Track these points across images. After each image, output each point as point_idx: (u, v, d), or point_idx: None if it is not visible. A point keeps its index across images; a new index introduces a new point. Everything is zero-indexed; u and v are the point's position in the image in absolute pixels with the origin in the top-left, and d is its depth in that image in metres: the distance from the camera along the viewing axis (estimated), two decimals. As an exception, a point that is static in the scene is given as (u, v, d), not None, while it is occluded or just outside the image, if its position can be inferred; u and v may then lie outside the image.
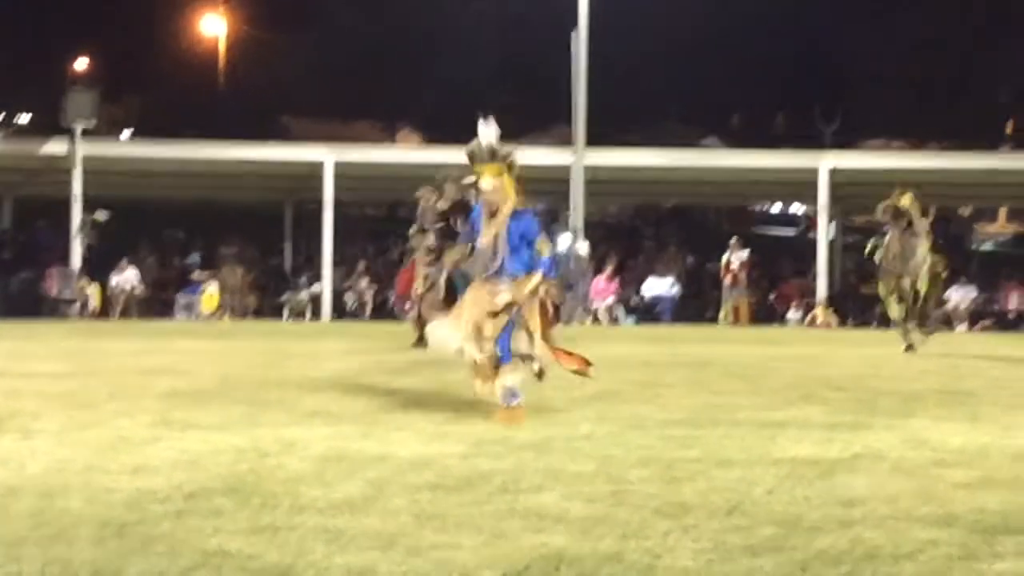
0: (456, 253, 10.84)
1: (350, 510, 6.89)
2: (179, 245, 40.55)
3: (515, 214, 10.57)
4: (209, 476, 7.86)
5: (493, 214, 10.55)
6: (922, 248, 21.15)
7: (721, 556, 6.01)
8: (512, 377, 10.57)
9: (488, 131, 10.59)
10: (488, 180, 10.53)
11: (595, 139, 35.57)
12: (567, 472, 8.17)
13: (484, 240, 10.58)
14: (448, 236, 19.92)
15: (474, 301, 10.60)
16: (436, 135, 44.44)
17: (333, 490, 7.46)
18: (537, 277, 10.56)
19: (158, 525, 6.47)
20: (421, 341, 19.45)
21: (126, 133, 53.97)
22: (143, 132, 52.04)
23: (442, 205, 20.17)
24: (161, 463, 8.32)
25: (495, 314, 10.51)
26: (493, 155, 10.52)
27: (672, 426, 10.45)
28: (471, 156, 10.67)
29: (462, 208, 19.76)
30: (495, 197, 10.53)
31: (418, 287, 20.21)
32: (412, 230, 20.83)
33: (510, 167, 10.60)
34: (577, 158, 34.94)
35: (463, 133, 10.73)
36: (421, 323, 19.66)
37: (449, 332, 10.58)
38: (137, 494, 7.25)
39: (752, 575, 5.68)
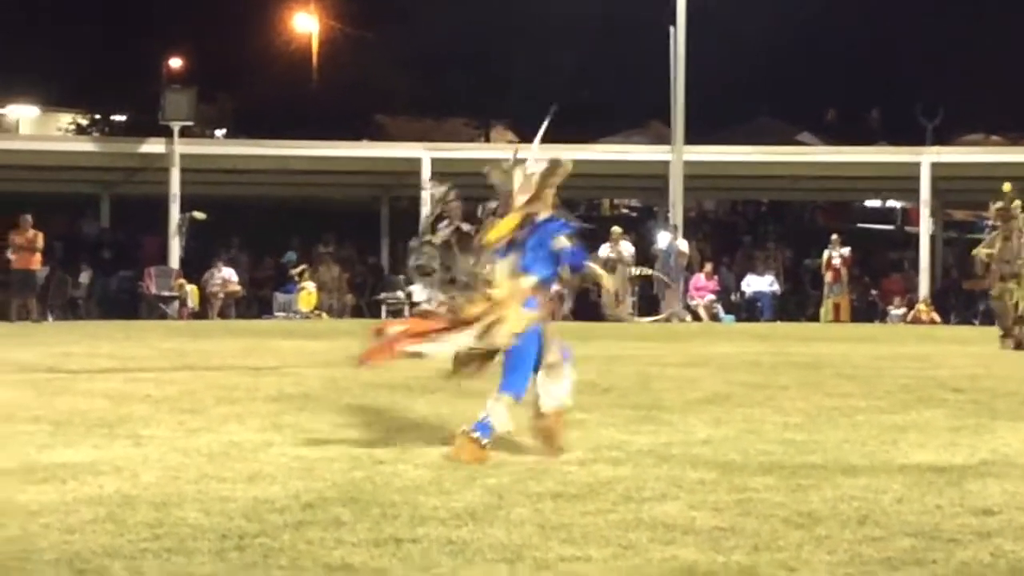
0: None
1: (472, 520, 6.77)
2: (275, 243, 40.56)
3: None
4: (326, 484, 7.76)
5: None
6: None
7: (859, 570, 5.85)
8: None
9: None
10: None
11: (690, 135, 35.24)
12: (689, 480, 8.01)
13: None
14: None
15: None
16: (529, 133, 44.26)
17: (453, 499, 7.33)
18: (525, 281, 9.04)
19: (278, 537, 6.37)
20: None
21: (220, 133, 54.26)
22: (236, 131, 52.32)
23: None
24: (276, 470, 8.23)
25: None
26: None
27: (790, 430, 10.25)
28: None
29: None
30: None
31: None
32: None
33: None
34: (676, 155, 34.65)
35: (554, 129, 10.28)
36: None
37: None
38: (254, 503, 7.16)
39: (894, 591, 5.50)
